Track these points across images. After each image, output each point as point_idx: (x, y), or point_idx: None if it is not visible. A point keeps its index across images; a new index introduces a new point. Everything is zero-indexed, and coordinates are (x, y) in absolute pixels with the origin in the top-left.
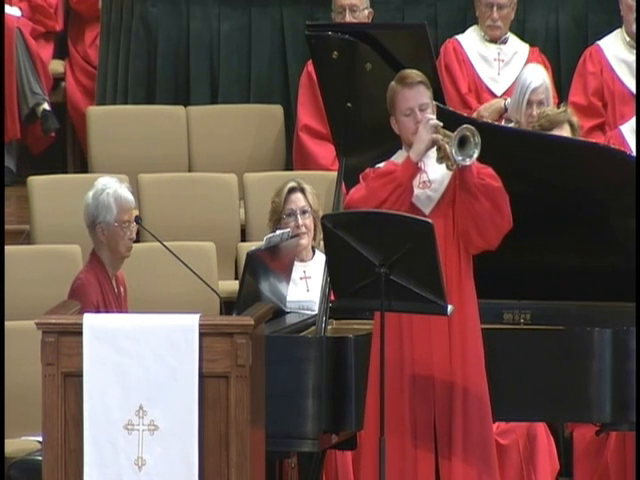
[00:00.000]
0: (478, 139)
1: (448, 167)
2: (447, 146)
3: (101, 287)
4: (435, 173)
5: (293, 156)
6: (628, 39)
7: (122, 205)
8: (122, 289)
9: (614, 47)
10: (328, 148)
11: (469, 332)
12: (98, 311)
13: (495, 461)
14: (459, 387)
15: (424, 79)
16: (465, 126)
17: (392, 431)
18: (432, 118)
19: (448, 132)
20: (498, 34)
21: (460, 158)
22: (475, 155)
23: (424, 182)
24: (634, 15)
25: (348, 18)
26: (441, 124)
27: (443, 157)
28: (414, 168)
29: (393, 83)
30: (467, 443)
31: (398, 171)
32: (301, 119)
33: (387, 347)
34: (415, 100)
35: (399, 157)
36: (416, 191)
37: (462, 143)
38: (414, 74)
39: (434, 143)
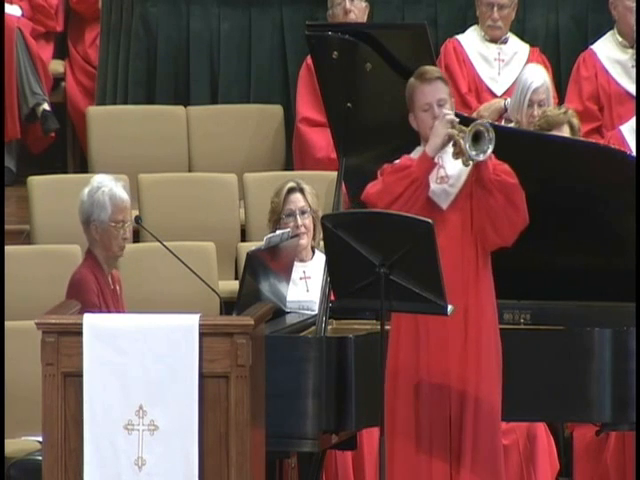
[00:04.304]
0: (492, 135)
1: (464, 163)
2: (462, 141)
3: (98, 283)
4: (453, 168)
5: (293, 148)
6: (620, 39)
7: (117, 204)
8: (118, 287)
9: (607, 49)
10: (328, 135)
11: (484, 332)
12: (97, 304)
13: (503, 474)
14: (471, 397)
15: (442, 75)
16: (479, 121)
17: (406, 437)
18: (449, 113)
19: (464, 127)
20: (499, 34)
21: (474, 153)
22: (489, 151)
23: (442, 177)
24: (634, 16)
25: (348, 5)
26: (457, 119)
27: (459, 153)
28: (430, 163)
29: (412, 79)
30: (476, 455)
31: (414, 166)
32: (300, 112)
33: (401, 352)
34: (433, 96)
35: (417, 153)
36: (434, 186)
37: (476, 138)
38: (433, 70)
39: (450, 138)
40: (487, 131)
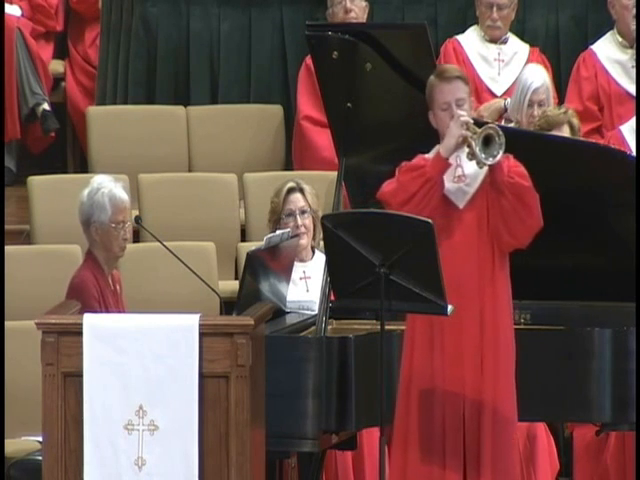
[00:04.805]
0: (503, 139)
1: (478, 164)
2: (474, 143)
3: (98, 284)
4: (470, 168)
5: (293, 147)
6: (620, 39)
7: (117, 205)
8: (118, 287)
9: (607, 49)
10: (330, 136)
11: (501, 334)
12: (97, 308)
13: None
14: (489, 406)
15: (462, 74)
16: (490, 125)
17: (419, 445)
18: (463, 115)
19: (478, 129)
20: (498, 34)
21: (483, 156)
22: (498, 156)
23: (459, 176)
24: (631, 15)
25: (348, 5)
26: (472, 121)
27: (472, 154)
28: (444, 163)
29: (432, 77)
30: (495, 465)
31: (428, 166)
32: (301, 110)
33: (416, 356)
34: (452, 95)
35: (434, 152)
36: (450, 185)
37: (487, 142)
38: (452, 69)
39: (464, 140)
40: (498, 135)
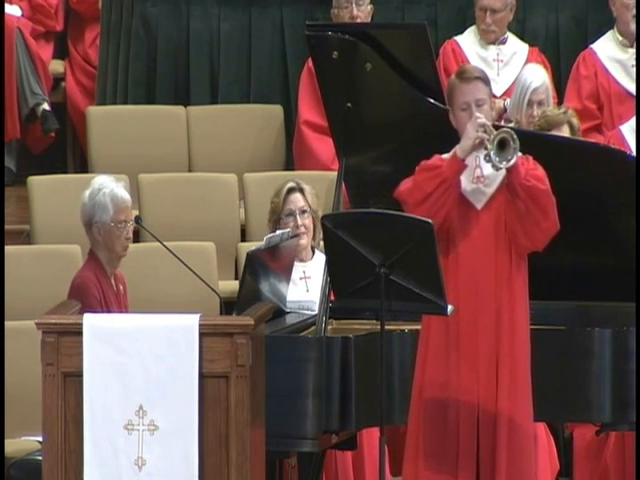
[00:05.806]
0: (517, 144)
1: (493, 167)
2: (489, 146)
3: (100, 285)
4: (489, 169)
5: (293, 150)
6: (620, 38)
7: (118, 205)
8: (122, 287)
9: (607, 48)
10: (329, 143)
11: (517, 338)
12: (99, 309)
13: None
14: (504, 419)
15: (483, 75)
16: (505, 129)
17: (431, 458)
18: (480, 116)
19: (495, 132)
20: (493, 38)
21: (497, 159)
22: (512, 160)
23: (478, 177)
24: (631, 14)
25: (355, 12)
26: (489, 123)
27: (488, 157)
28: (460, 164)
29: (452, 77)
30: (510, 475)
31: (444, 166)
32: (302, 114)
33: (429, 357)
34: (472, 95)
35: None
36: (469, 186)
37: (502, 146)
38: (473, 69)
39: (481, 142)
40: (512, 140)
